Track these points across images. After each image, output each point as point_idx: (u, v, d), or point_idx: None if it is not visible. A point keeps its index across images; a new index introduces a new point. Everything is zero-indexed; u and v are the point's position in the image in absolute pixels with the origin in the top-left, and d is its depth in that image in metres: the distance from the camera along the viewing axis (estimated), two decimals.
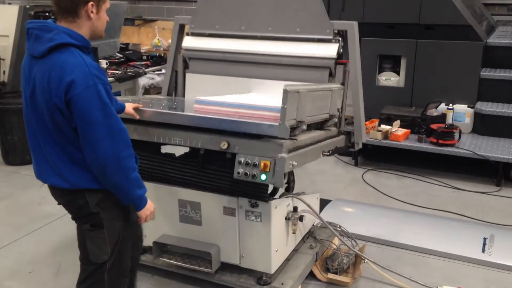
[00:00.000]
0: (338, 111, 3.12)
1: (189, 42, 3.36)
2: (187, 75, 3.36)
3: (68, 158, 2.08)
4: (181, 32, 3.45)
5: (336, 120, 3.11)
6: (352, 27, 3.03)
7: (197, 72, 3.32)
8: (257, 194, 2.70)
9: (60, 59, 1.97)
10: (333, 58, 3.04)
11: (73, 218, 2.30)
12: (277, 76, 3.12)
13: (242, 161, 2.49)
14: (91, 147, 2.02)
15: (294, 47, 3.12)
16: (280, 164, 2.42)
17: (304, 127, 2.61)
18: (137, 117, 2.69)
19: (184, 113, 2.74)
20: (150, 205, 2.28)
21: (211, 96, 3.05)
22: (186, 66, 3.42)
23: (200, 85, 3.26)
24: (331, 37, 3.04)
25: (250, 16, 3.20)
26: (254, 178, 2.46)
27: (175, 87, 3.45)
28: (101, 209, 2.17)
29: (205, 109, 2.90)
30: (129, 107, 2.64)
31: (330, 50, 3.04)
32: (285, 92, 2.39)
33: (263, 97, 3.08)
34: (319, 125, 3.03)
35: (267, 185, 2.65)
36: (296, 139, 2.57)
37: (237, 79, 3.21)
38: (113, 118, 2.03)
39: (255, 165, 2.46)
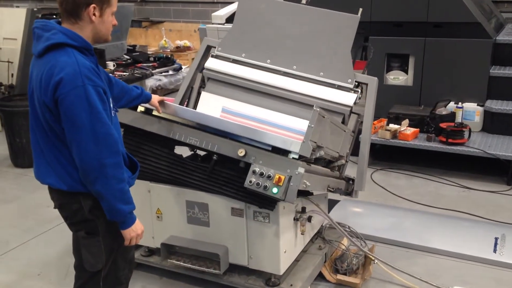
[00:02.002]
0: (346, 155, 3.16)
1: (212, 63, 3.40)
2: (202, 93, 3.40)
3: (64, 158, 2.06)
4: (207, 52, 3.49)
5: (343, 162, 3.17)
6: (372, 82, 3.17)
7: (213, 93, 3.37)
8: (266, 204, 2.68)
9: (53, 58, 1.96)
10: (349, 106, 3.12)
11: (69, 225, 2.26)
12: (290, 111, 3.19)
13: (257, 171, 2.48)
14: (75, 149, 1.98)
15: (313, 88, 3.18)
16: (295, 180, 2.43)
17: (322, 152, 2.62)
18: (160, 110, 2.69)
19: (209, 114, 2.77)
20: (137, 227, 2.14)
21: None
22: (202, 86, 3.45)
23: (212, 105, 3.30)
24: (351, 86, 3.12)
25: (278, 51, 3.29)
26: (265, 190, 2.45)
27: (187, 103, 3.47)
28: (96, 217, 2.13)
29: (230, 118, 3.00)
30: (155, 99, 2.64)
31: (348, 98, 3.12)
32: (315, 112, 2.46)
33: (286, 119, 3.15)
34: (325, 164, 3.05)
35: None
36: (310, 165, 2.59)
37: (249, 107, 3.25)
38: (100, 122, 1.95)
39: (269, 177, 2.46)
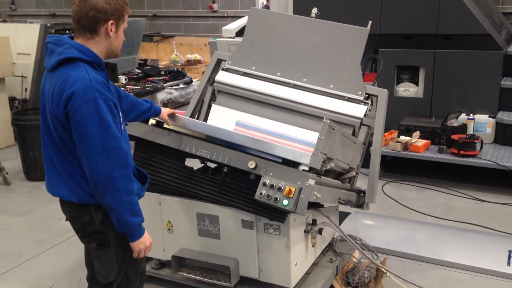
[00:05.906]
0: (356, 167, 3.16)
1: (222, 76, 3.43)
2: (213, 106, 3.42)
3: (75, 171, 2.08)
4: (217, 65, 3.52)
5: (354, 174, 3.16)
6: (383, 94, 3.18)
7: (223, 106, 3.39)
8: (276, 216, 2.68)
9: (65, 72, 2.00)
10: (359, 118, 3.13)
11: (80, 237, 2.27)
12: (300, 124, 3.20)
13: (267, 183, 2.49)
14: (86, 161, 2.00)
15: (323, 100, 3.20)
16: (306, 192, 2.43)
17: (332, 164, 2.62)
18: (169, 124, 2.71)
19: (219, 127, 2.79)
20: (146, 239, 2.16)
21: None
22: (212, 99, 3.47)
23: (222, 118, 3.33)
24: (361, 98, 3.13)
25: (288, 64, 3.31)
26: (276, 202, 2.46)
27: (198, 116, 3.49)
28: (107, 228, 2.14)
29: (244, 131, 3.02)
30: (164, 112, 2.67)
31: (358, 110, 3.13)
32: (325, 124, 2.47)
33: (296, 131, 3.16)
34: (336, 176, 3.05)
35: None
36: (320, 177, 2.59)
37: (259, 119, 3.27)
38: (110, 135, 1.98)
39: (279, 189, 2.46)
